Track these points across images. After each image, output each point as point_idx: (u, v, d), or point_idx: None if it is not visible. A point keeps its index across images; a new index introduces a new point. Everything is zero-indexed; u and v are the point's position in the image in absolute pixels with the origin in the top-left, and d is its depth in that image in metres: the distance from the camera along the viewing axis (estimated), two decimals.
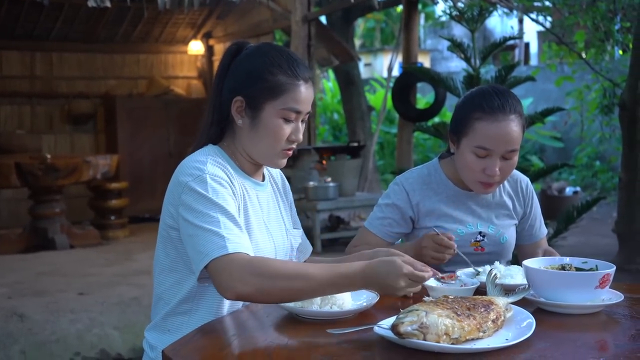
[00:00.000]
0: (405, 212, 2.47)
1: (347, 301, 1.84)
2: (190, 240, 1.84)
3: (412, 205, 2.47)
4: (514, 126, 2.27)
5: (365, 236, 2.54)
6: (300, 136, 2.04)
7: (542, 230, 2.63)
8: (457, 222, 2.45)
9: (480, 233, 2.46)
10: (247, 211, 2.02)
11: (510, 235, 2.52)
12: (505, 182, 2.54)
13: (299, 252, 2.28)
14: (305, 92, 2.01)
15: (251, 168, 2.10)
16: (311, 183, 7.36)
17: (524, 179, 2.59)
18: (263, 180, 2.17)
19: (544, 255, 2.34)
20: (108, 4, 6.47)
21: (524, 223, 2.59)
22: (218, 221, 1.81)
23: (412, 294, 1.84)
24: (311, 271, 1.76)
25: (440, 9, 15.01)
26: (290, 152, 2.07)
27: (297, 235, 2.26)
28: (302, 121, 2.05)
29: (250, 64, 2.02)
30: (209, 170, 1.92)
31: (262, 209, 2.10)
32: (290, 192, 2.34)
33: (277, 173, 2.30)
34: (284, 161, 2.08)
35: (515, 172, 2.58)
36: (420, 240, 2.28)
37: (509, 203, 2.54)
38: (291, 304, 1.83)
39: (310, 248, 2.38)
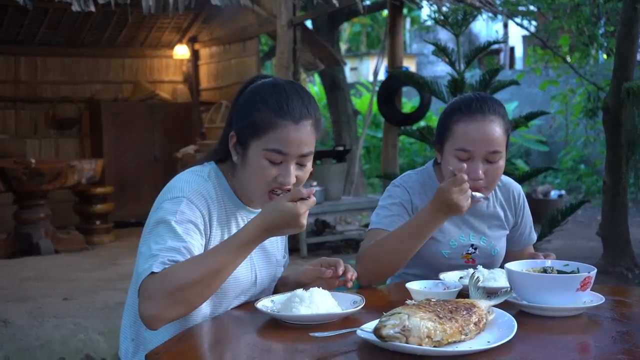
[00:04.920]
0: (408, 212, 2.42)
1: (331, 305, 1.84)
2: (138, 257, 1.85)
3: (413, 207, 2.43)
4: (494, 126, 2.25)
5: (378, 235, 2.35)
6: (290, 180, 1.89)
7: (532, 237, 2.62)
8: (450, 235, 2.43)
9: (472, 245, 2.45)
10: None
11: (500, 247, 2.51)
12: (498, 192, 2.53)
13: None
14: (294, 133, 1.87)
15: (246, 195, 2.03)
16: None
17: (517, 188, 2.58)
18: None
19: None
20: (92, 8, 6.45)
21: (515, 231, 2.58)
22: (164, 245, 1.79)
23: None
24: (211, 260, 1.76)
25: (425, 13, 15.07)
26: (279, 193, 1.90)
27: (281, 265, 2.22)
28: (297, 163, 1.91)
29: (245, 99, 1.96)
30: (191, 196, 1.90)
31: None
32: None
33: None
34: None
35: (509, 180, 2.58)
36: (441, 194, 2.10)
37: (501, 213, 2.53)
38: (275, 310, 1.84)
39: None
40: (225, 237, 1.96)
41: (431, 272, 2.37)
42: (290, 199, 1.76)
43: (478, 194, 2.15)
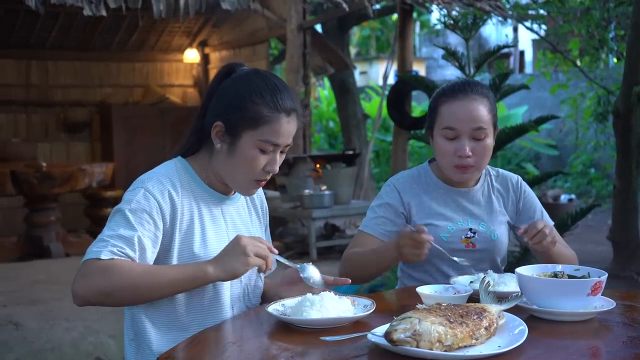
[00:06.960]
0: (397, 210, 2.49)
1: (342, 309, 1.85)
2: None
3: (404, 203, 2.50)
4: (477, 104, 2.36)
5: (361, 238, 2.52)
6: (276, 168, 2.03)
7: (545, 219, 2.52)
8: (447, 220, 2.47)
9: (470, 230, 2.48)
10: (203, 225, 2.05)
11: (501, 232, 2.52)
12: (494, 181, 2.58)
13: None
14: (286, 125, 2.00)
15: (219, 184, 2.12)
16: (306, 191, 7.36)
17: (514, 177, 2.63)
18: (233, 194, 2.18)
19: (557, 250, 2.32)
20: (104, 13, 6.48)
21: (521, 215, 2.56)
22: (115, 232, 1.88)
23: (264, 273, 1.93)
24: (160, 271, 1.89)
25: (435, 17, 15.07)
26: (264, 183, 2.08)
27: None
28: (281, 152, 2.04)
29: (234, 91, 2.02)
30: (148, 186, 1.98)
31: (225, 223, 2.12)
32: (268, 213, 2.35)
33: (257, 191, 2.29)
34: (255, 190, 2.11)
35: (505, 171, 2.65)
36: (397, 239, 2.21)
37: (499, 200, 2.56)
38: (285, 314, 1.84)
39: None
40: (196, 224, 2.03)
41: (433, 258, 2.38)
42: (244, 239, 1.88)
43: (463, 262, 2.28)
